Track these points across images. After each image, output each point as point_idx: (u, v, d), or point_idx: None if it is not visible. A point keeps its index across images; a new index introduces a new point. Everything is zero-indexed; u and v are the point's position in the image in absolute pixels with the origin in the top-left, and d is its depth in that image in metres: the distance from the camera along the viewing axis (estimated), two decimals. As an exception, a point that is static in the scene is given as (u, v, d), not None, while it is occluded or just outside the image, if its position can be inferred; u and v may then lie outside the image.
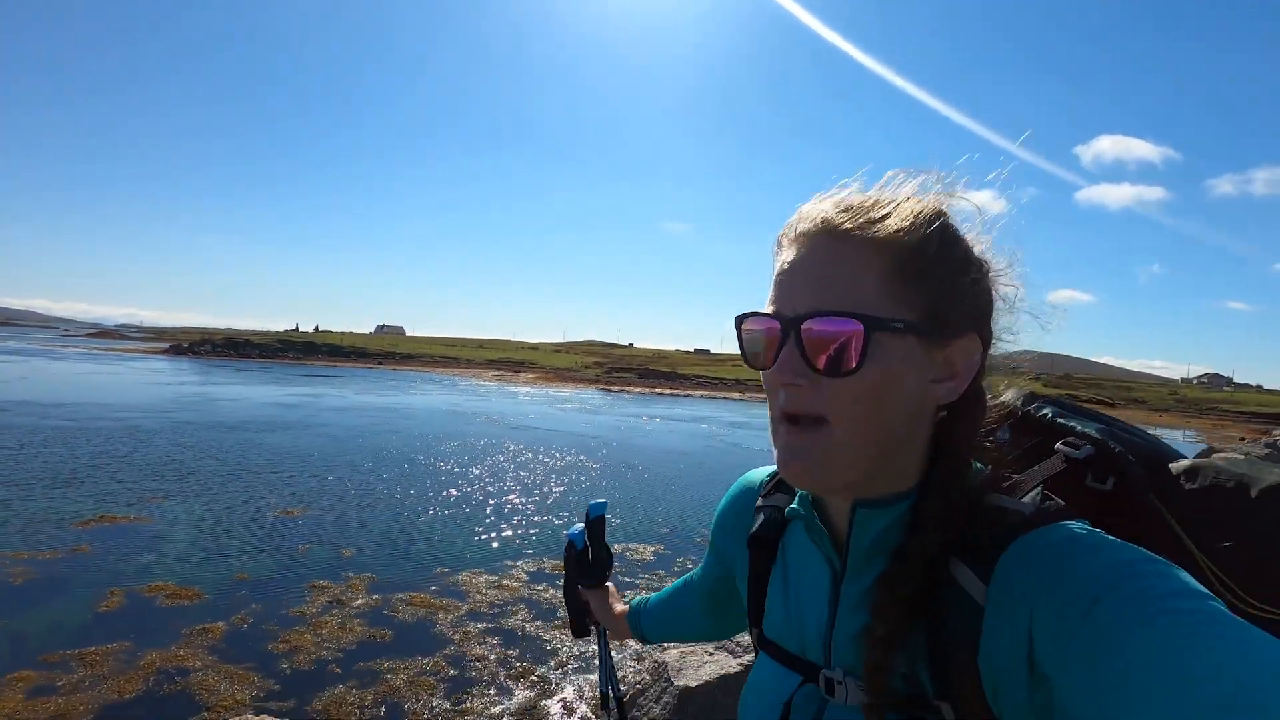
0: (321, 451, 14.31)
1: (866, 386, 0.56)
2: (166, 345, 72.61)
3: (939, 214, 0.60)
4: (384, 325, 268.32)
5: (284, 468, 12.37)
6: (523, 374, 62.21)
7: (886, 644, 0.56)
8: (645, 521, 10.10)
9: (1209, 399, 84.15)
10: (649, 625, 1.07)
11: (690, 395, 47.10)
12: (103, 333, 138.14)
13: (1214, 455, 0.69)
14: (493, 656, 5.50)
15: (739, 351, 0.65)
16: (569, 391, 42.71)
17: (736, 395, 48.72)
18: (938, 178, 0.62)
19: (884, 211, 0.58)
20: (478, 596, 6.77)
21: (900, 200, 0.60)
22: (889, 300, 0.57)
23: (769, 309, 0.61)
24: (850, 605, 0.63)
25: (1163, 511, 0.61)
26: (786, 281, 0.60)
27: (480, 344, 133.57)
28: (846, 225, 0.58)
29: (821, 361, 0.56)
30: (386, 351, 78.63)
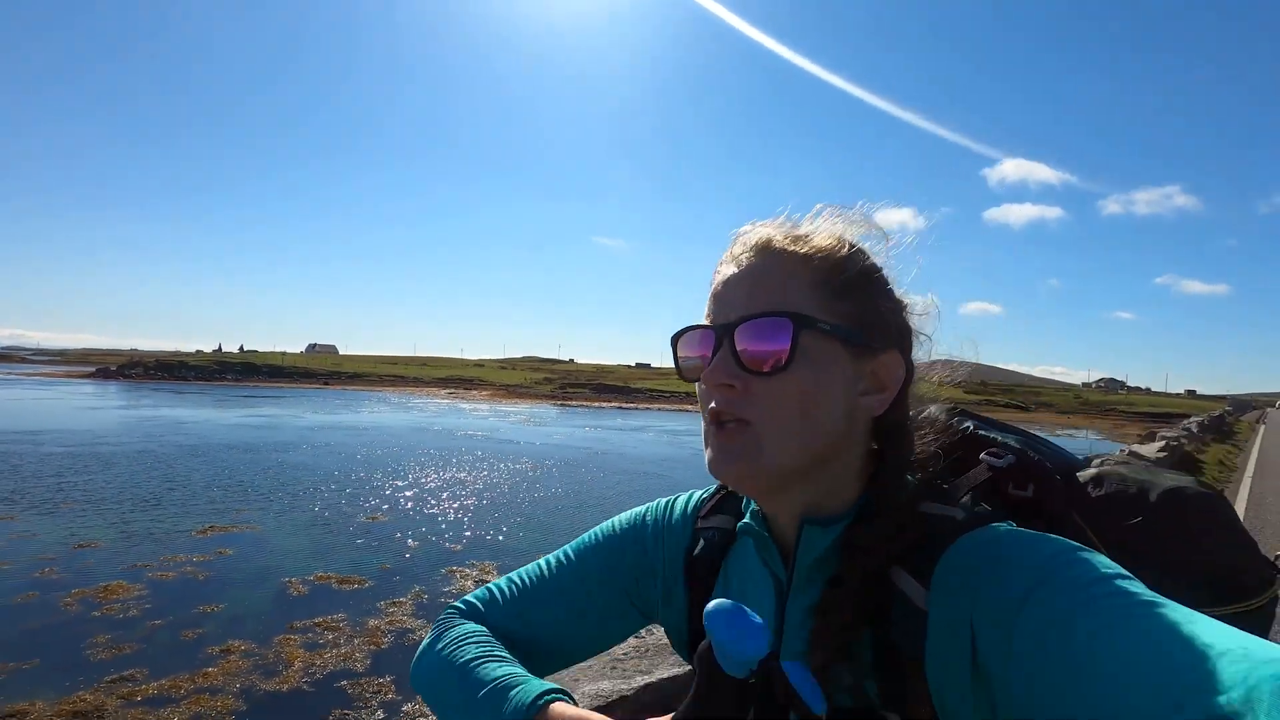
0: (351, 465, 15.29)
1: (796, 387, 0.58)
2: (92, 369, 68.77)
3: (862, 242, 0.65)
4: (315, 344, 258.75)
5: (331, 481, 13.38)
6: (475, 391, 62.44)
7: (826, 668, 0.56)
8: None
9: (1107, 401, 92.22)
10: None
11: (647, 408, 48.87)
12: (1, 356, 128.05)
13: (1103, 463, 0.75)
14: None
15: (674, 367, 0.67)
16: (526, 408, 43.67)
17: (691, 408, 50.54)
18: (861, 216, 0.66)
19: (810, 230, 0.64)
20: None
21: (827, 224, 0.65)
22: (816, 306, 0.60)
23: (705, 322, 0.65)
24: (795, 623, 0.63)
25: (1076, 517, 0.67)
26: (722, 294, 0.63)
27: (424, 362, 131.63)
28: (777, 241, 0.62)
29: (754, 363, 0.59)
30: (331, 371, 77.10)
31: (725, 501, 0.76)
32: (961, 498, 0.64)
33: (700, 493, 0.80)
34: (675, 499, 0.81)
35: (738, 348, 0.60)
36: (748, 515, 0.70)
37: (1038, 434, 0.76)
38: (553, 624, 0.75)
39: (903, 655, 0.55)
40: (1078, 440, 35.56)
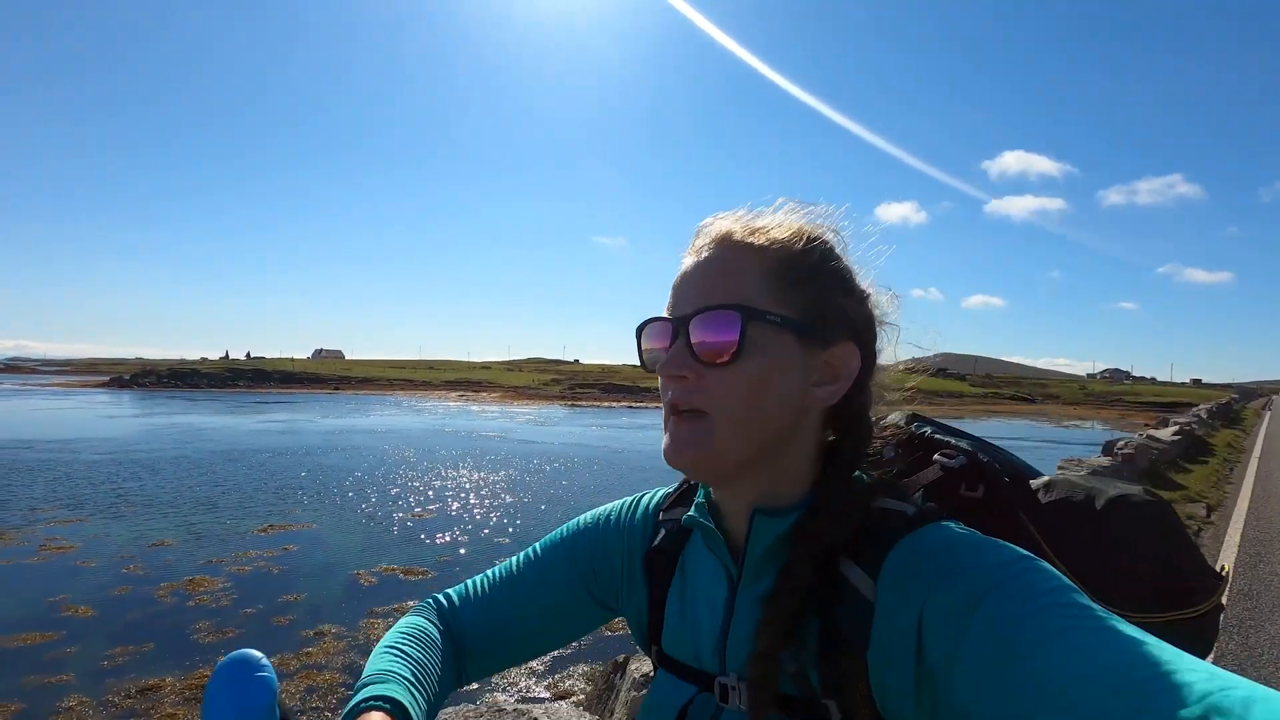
0: (381, 466, 15.83)
1: (746, 377, 0.60)
2: (105, 378, 69.52)
3: (821, 236, 0.65)
4: (322, 349, 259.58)
5: (368, 481, 13.90)
6: (484, 394, 62.92)
7: (769, 655, 0.57)
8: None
9: (1112, 392, 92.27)
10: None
11: (656, 407, 48.32)
12: (10, 367, 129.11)
13: (1059, 474, 0.78)
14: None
15: (638, 360, 0.68)
16: (536, 409, 44.12)
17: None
18: (824, 211, 0.66)
19: (769, 222, 0.64)
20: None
21: (786, 216, 0.65)
22: (769, 298, 0.61)
23: (665, 314, 0.66)
24: (745, 612, 0.64)
25: (1024, 519, 0.69)
26: (681, 286, 0.65)
27: (431, 365, 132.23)
28: (736, 234, 0.63)
29: (705, 354, 0.60)
30: (341, 376, 77.75)
31: (686, 495, 0.77)
32: (914, 495, 0.65)
33: (665, 489, 0.82)
34: (641, 496, 0.82)
35: (692, 340, 0.61)
36: (692, 508, 0.70)
37: (991, 441, 0.77)
38: (516, 618, 0.78)
39: (847, 645, 0.56)
40: (1085, 431, 35.88)
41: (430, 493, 13.11)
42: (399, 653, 0.71)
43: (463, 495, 12.97)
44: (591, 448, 21.69)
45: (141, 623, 6.41)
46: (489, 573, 0.83)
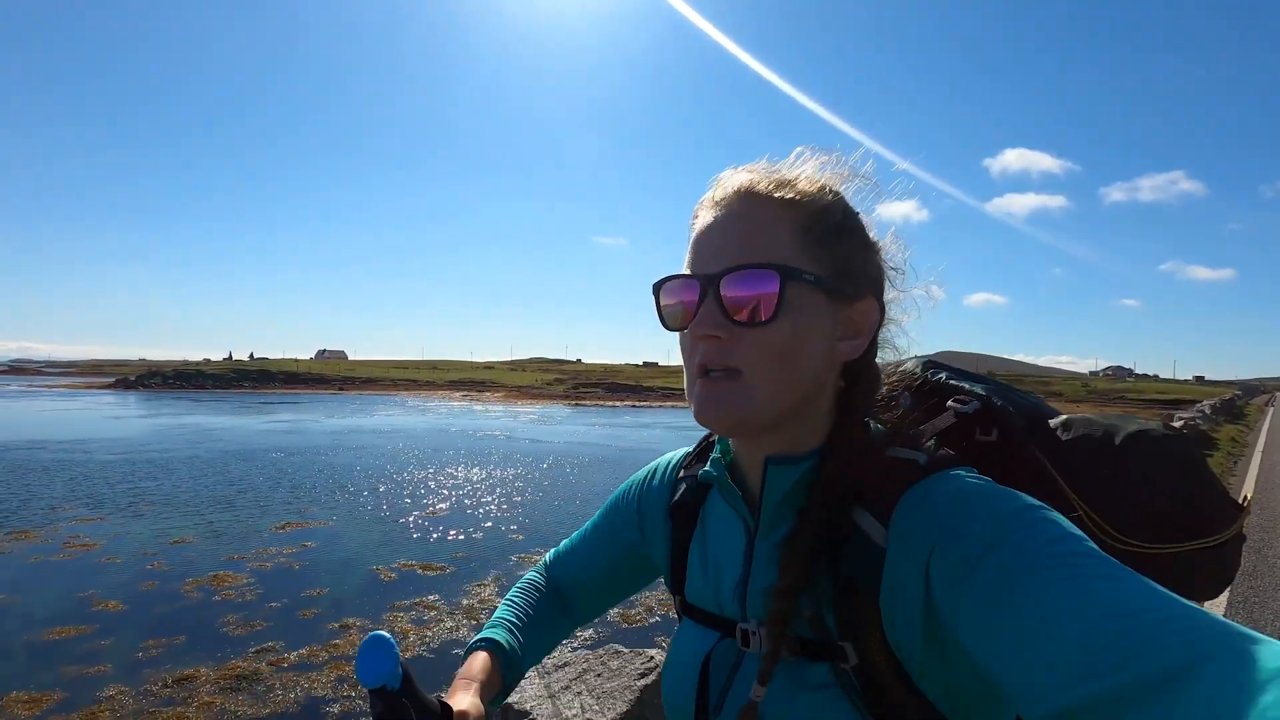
0: (391, 465, 15.98)
1: (781, 337, 0.59)
2: (110, 379, 69.78)
3: (842, 189, 0.66)
4: (325, 350, 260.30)
5: (380, 480, 14.05)
6: (488, 394, 63.09)
7: (790, 592, 0.59)
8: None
9: (1116, 389, 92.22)
10: (532, 645, 0.85)
11: (660, 406, 49.46)
12: (15, 368, 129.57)
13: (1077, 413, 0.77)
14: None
15: (657, 318, 0.67)
16: (540, 408, 44.28)
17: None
18: (840, 159, 0.66)
19: (794, 175, 0.63)
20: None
21: (808, 170, 0.64)
22: (801, 255, 0.60)
23: (686, 271, 0.64)
24: (763, 560, 0.65)
25: (1041, 459, 0.69)
26: (705, 241, 0.63)
27: (434, 365, 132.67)
28: (761, 187, 0.62)
29: (741, 313, 0.59)
30: (345, 377, 77.99)
31: (705, 451, 0.79)
32: (926, 442, 0.65)
33: (687, 448, 0.84)
34: (666, 456, 0.87)
35: (724, 298, 0.60)
36: (709, 463, 0.72)
37: (1006, 383, 0.78)
38: (596, 570, 0.89)
39: (860, 590, 0.58)
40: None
41: (442, 491, 13.26)
42: (510, 603, 0.89)
43: (475, 493, 13.11)
44: (599, 446, 21.84)
45: (171, 616, 6.56)
46: (576, 534, 0.94)
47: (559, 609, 0.90)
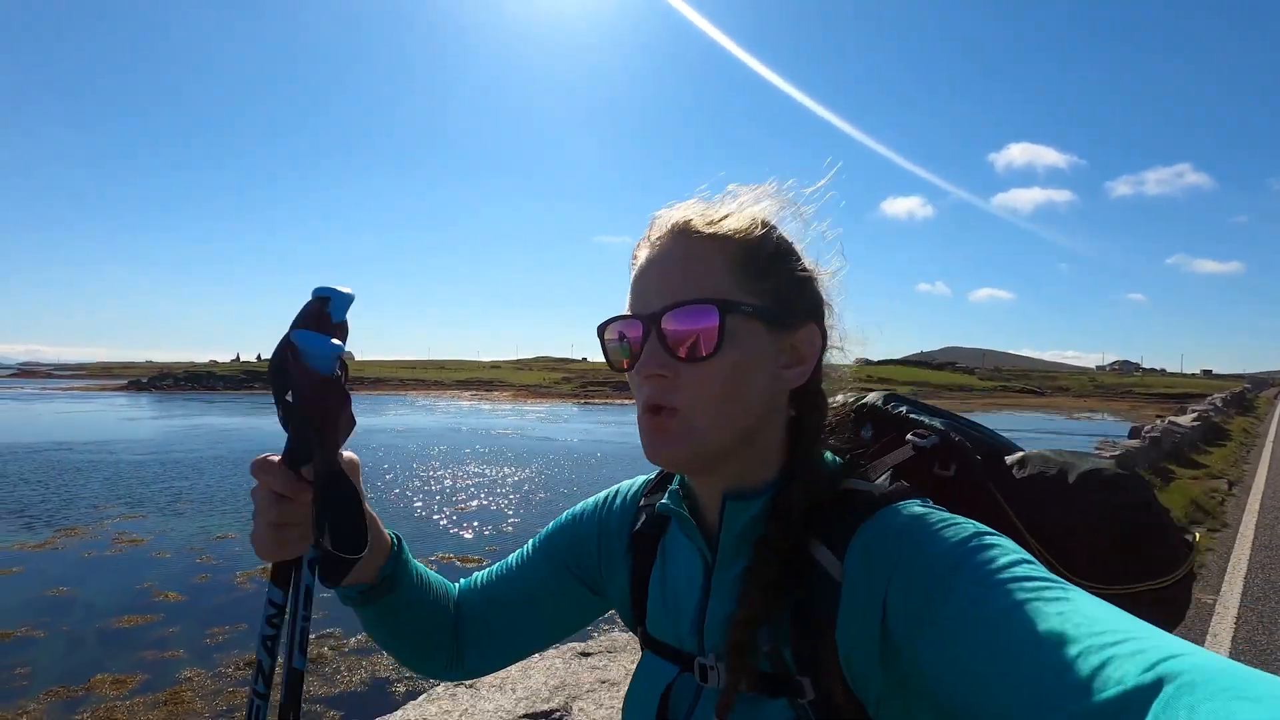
0: (412, 463, 16.33)
1: (725, 370, 0.60)
2: (122, 381, 70.41)
3: (776, 219, 0.66)
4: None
5: (404, 477, 14.39)
6: (497, 393, 63.48)
7: (747, 622, 0.59)
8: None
9: (1123, 384, 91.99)
10: (470, 604, 0.82)
11: (669, 404, 49.44)
12: (25, 371, 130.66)
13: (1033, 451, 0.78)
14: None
15: (603, 358, 0.67)
16: (549, 407, 44.78)
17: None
18: (774, 190, 0.67)
19: (726, 212, 0.64)
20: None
21: (740, 204, 0.65)
22: (738, 288, 0.61)
23: (628, 311, 0.65)
24: (721, 594, 0.65)
25: (996, 495, 0.70)
26: (644, 281, 0.64)
27: (441, 365, 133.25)
28: (695, 224, 0.63)
29: (683, 350, 0.60)
30: (354, 377, 77.91)
31: (665, 481, 0.78)
32: (880, 476, 0.66)
33: (647, 477, 0.83)
34: (624, 484, 0.84)
35: (666, 337, 0.61)
36: (666, 495, 0.71)
37: (967, 417, 0.79)
38: (507, 603, 0.81)
39: (817, 623, 0.57)
40: (1095, 423, 36.07)
41: (468, 487, 13.58)
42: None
43: (498, 490, 13.43)
44: (611, 443, 22.15)
45: (229, 605, 6.88)
46: (496, 565, 0.85)
47: (452, 634, 0.81)
